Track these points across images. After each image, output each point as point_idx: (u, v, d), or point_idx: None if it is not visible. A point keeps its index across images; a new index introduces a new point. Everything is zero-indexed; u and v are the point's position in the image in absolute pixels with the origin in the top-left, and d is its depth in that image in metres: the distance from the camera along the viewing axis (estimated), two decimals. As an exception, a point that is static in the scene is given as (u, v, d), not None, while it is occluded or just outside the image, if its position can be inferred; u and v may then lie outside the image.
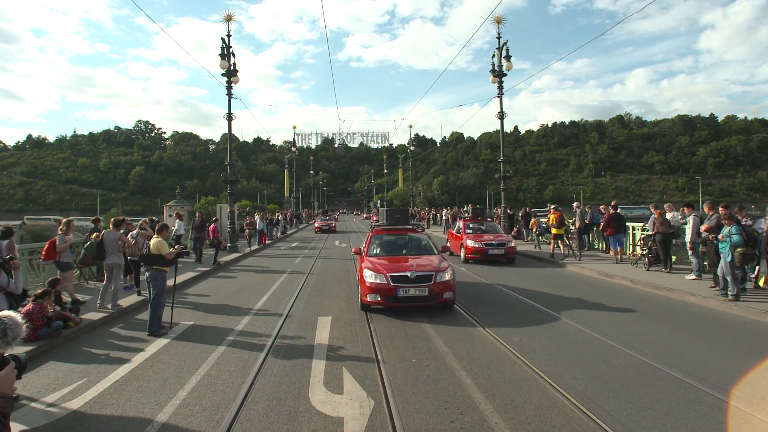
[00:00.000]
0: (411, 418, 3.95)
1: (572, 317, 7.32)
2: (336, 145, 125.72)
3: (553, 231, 14.44)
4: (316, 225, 36.23)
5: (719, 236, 8.03)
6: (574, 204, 17.45)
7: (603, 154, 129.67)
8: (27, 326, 3.56)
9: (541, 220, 18.44)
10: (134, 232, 9.50)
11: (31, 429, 3.93)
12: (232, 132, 19.27)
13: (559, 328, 6.79)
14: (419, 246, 9.49)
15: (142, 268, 8.44)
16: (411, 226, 10.44)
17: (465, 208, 26.11)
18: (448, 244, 15.83)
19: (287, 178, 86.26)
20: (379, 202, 79.37)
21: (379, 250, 9.36)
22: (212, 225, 15.93)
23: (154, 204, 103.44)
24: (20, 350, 4.27)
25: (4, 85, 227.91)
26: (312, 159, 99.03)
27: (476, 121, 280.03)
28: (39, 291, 6.63)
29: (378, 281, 7.71)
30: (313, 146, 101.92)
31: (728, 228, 7.88)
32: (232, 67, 17.75)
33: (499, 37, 19.19)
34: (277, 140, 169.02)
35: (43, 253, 8.74)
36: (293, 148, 75.71)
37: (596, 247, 16.35)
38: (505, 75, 19.27)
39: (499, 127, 20.62)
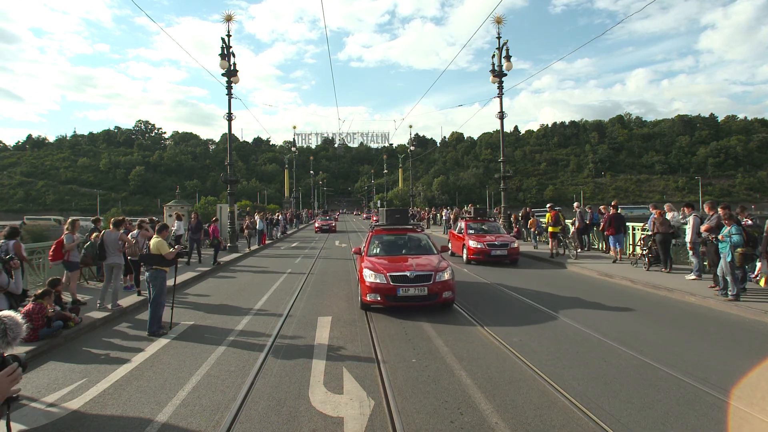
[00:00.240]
0: (411, 418, 3.95)
1: (572, 317, 7.32)
2: (336, 145, 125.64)
3: (550, 230, 15.01)
4: (317, 225, 36.41)
5: (719, 236, 8.03)
6: (575, 204, 17.50)
7: (603, 154, 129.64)
8: (27, 326, 3.57)
9: (540, 219, 18.49)
10: (134, 232, 9.50)
11: (31, 429, 3.93)
12: (232, 132, 19.28)
13: (559, 328, 6.79)
14: (419, 246, 9.50)
15: (142, 268, 8.45)
16: (411, 226, 10.46)
17: (465, 208, 26.06)
18: (450, 245, 15.80)
19: (287, 178, 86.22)
20: (379, 202, 79.38)
21: (378, 249, 9.37)
22: (212, 225, 15.93)
23: (154, 204, 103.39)
24: (20, 350, 4.26)
25: (5, 85, 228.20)
26: (312, 159, 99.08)
27: (476, 121, 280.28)
28: (39, 291, 6.63)
29: (378, 281, 7.73)
30: (313, 146, 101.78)
31: (728, 228, 7.88)
32: (232, 67, 17.75)
33: (499, 37, 19.20)
34: (277, 140, 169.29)
35: (51, 253, 8.77)
36: (293, 148, 75.71)
37: (596, 247, 16.36)
38: (505, 75, 19.30)
39: (499, 127, 20.63)
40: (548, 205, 16.11)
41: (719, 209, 8.57)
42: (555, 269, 13.02)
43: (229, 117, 18.26)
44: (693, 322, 7.15)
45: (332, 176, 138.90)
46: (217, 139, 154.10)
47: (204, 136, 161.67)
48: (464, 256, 14.44)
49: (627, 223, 14.30)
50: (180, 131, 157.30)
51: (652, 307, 8.18)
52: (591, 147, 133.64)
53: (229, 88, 17.87)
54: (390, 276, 7.71)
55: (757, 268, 9.13)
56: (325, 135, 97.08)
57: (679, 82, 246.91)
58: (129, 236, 9.24)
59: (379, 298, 7.64)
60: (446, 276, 7.87)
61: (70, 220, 8.95)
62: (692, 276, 10.07)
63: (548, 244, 15.54)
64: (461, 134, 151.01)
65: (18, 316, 3.36)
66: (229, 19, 17.70)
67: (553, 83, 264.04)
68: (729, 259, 7.80)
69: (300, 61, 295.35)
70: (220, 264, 14.53)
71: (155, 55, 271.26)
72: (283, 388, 4.67)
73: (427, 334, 6.54)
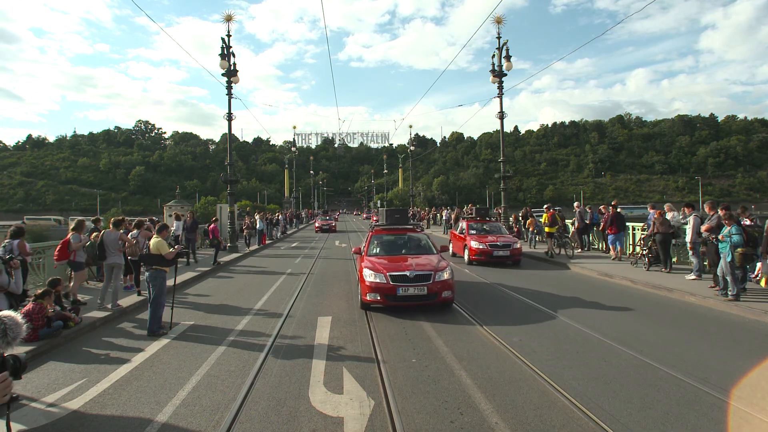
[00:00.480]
0: (411, 418, 3.95)
1: (572, 317, 7.32)
2: (336, 145, 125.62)
3: (546, 229, 15.26)
4: (317, 225, 36.61)
5: (719, 236, 8.04)
6: (575, 204, 17.52)
7: (603, 154, 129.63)
8: (27, 326, 3.57)
9: (538, 220, 18.53)
10: (134, 232, 9.50)
11: (31, 429, 3.93)
12: (232, 132, 19.28)
13: (559, 327, 6.79)
14: (418, 246, 9.51)
15: (142, 268, 8.45)
16: (410, 226, 10.47)
17: (465, 209, 26.05)
18: (450, 245, 15.77)
19: (287, 178, 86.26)
20: (379, 202, 79.40)
21: (378, 249, 9.38)
22: (212, 225, 15.93)
23: (154, 204, 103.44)
24: (20, 350, 4.26)
25: (5, 85, 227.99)
26: (312, 159, 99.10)
27: (476, 121, 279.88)
28: (39, 291, 6.64)
29: (377, 280, 7.75)
30: (313, 146, 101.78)
31: (728, 228, 7.88)
32: (232, 67, 17.75)
33: (499, 37, 19.19)
34: (277, 140, 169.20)
35: (56, 252, 8.83)
36: (293, 148, 75.72)
37: (596, 247, 16.36)
38: (505, 75, 19.29)
39: (499, 127, 20.63)
40: (545, 206, 16.32)
41: (719, 210, 8.57)
42: (555, 269, 13.02)
43: (229, 117, 18.27)
44: (693, 322, 7.15)
45: (332, 176, 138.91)
46: (217, 139, 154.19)
47: (204, 136, 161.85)
48: (466, 257, 14.25)
49: (627, 223, 14.35)
50: (180, 131, 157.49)
51: (652, 307, 8.18)
52: (591, 147, 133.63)
53: (229, 88, 17.87)
54: (390, 276, 7.73)
55: (757, 268, 9.13)
56: (325, 135, 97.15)
57: (679, 82, 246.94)
58: (129, 236, 9.24)
59: (378, 298, 7.66)
60: (446, 275, 7.88)
61: (76, 220, 9.04)
62: (692, 276, 10.07)
63: (546, 244, 15.61)
64: (461, 134, 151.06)
65: (18, 316, 3.36)
66: (229, 19, 17.70)
67: (553, 83, 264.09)
68: (729, 259, 7.80)
69: (300, 61, 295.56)
70: (220, 264, 14.52)
71: (155, 55, 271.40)
72: (283, 388, 4.67)
73: (427, 334, 6.54)
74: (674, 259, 11.94)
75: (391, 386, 4.62)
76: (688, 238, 10.34)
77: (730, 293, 7.93)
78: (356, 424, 3.89)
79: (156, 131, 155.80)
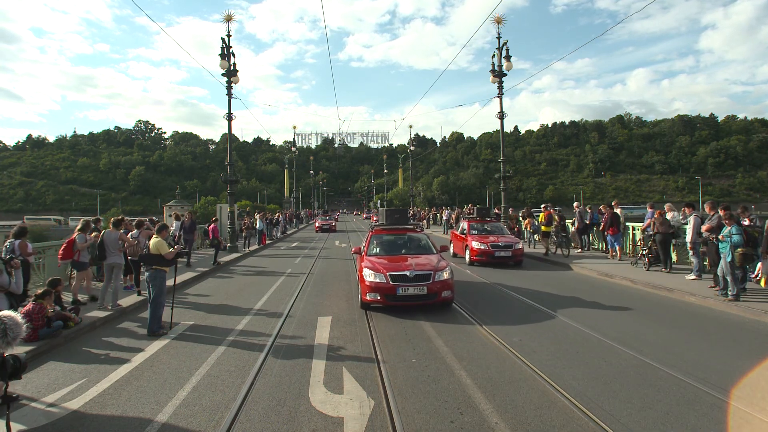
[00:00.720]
0: (411, 418, 3.96)
1: (572, 317, 7.32)
2: (336, 145, 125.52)
3: (543, 229, 15.62)
4: (317, 225, 36.83)
5: (720, 236, 8.04)
6: (575, 204, 17.53)
7: (603, 154, 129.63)
8: (27, 326, 3.58)
9: (535, 219, 18.60)
10: (134, 232, 9.50)
11: (31, 429, 3.93)
12: (232, 132, 19.27)
13: (558, 327, 6.79)
14: (418, 245, 9.52)
15: (142, 268, 8.45)
16: (410, 226, 10.48)
17: (465, 209, 26.04)
18: (451, 246, 15.74)
19: (287, 178, 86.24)
20: (379, 202, 79.41)
21: (378, 249, 9.38)
22: (212, 225, 15.93)
23: (154, 204, 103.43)
24: (20, 350, 4.27)
25: (5, 85, 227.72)
26: (312, 159, 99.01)
27: (476, 121, 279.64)
28: (39, 291, 6.64)
29: (377, 280, 7.75)
30: (313, 146, 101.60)
31: (729, 228, 7.88)
32: (232, 67, 17.75)
33: (499, 37, 19.18)
34: (277, 140, 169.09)
35: (61, 251, 8.88)
36: (293, 148, 75.65)
37: (596, 247, 16.36)
38: (505, 75, 19.26)
39: (499, 127, 20.62)
40: (542, 206, 16.57)
41: (720, 210, 8.58)
42: (555, 270, 13.02)
43: (229, 117, 18.27)
44: (693, 322, 7.15)
45: (332, 176, 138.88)
46: (217, 139, 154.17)
47: (204, 136, 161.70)
48: (467, 258, 14.11)
49: (627, 223, 14.38)
50: (180, 131, 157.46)
51: (652, 307, 8.18)
52: (591, 147, 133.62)
53: (229, 88, 17.87)
54: (390, 275, 7.74)
55: (758, 268, 9.13)
56: (325, 135, 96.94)
57: (679, 82, 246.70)
58: (129, 236, 9.24)
59: (378, 298, 7.66)
60: (445, 275, 7.89)
61: (82, 220, 9.11)
62: (692, 276, 10.07)
63: (546, 243, 15.72)
64: (461, 134, 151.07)
65: (18, 316, 3.37)
66: (229, 19, 17.70)
67: (554, 83, 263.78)
68: (729, 259, 7.80)
69: (300, 61, 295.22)
70: (220, 264, 14.53)
71: (155, 55, 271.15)
72: (283, 388, 4.67)
73: (427, 334, 6.54)
74: (674, 259, 11.94)
75: (391, 386, 4.62)
76: (688, 238, 10.34)
77: (730, 293, 7.93)
78: (356, 424, 3.89)
79: (156, 131, 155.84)
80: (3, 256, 6.61)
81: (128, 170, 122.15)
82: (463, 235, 15.08)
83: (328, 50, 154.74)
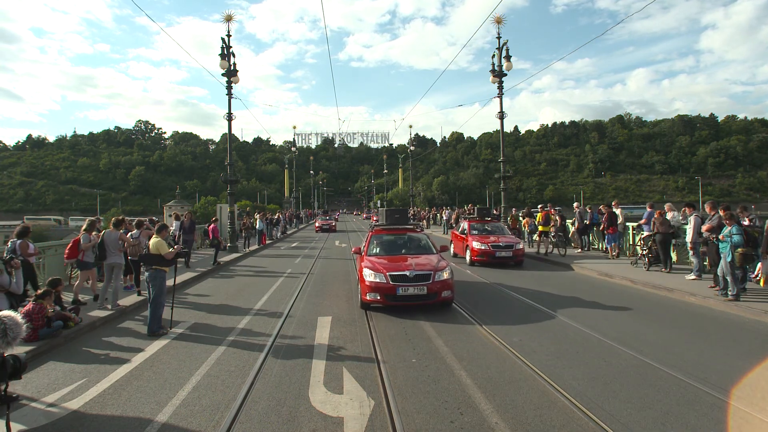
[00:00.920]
0: (411, 418, 3.96)
1: (572, 317, 7.32)
2: (336, 145, 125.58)
3: (540, 228, 15.82)
4: (317, 225, 36.91)
5: (720, 236, 8.04)
6: (575, 204, 17.55)
7: (603, 154, 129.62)
8: (27, 326, 3.57)
9: (533, 219, 18.69)
10: (135, 232, 9.50)
11: (31, 429, 3.93)
12: (232, 132, 19.28)
13: (558, 327, 6.79)
14: (418, 245, 9.51)
15: (142, 268, 8.46)
16: (410, 226, 10.47)
17: (465, 209, 26.02)
18: (451, 246, 15.74)
19: (287, 178, 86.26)
20: (379, 202, 79.40)
21: (378, 249, 9.38)
22: (212, 225, 15.93)
23: (154, 204, 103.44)
24: (20, 350, 4.27)
25: (5, 85, 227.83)
26: (312, 159, 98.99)
27: (476, 121, 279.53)
28: (39, 291, 6.64)
29: (377, 280, 7.75)
30: (313, 146, 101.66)
31: (729, 228, 7.88)
32: (232, 67, 17.75)
33: (499, 37, 19.18)
34: (277, 140, 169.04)
35: (67, 251, 9.09)
36: (293, 148, 75.65)
37: (596, 247, 16.36)
38: (505, 75, 19.27)
39: (499, 127, 20.62)
40: (539, 206, 16.85)
41: (720, 210, 8.58)
42: (555, 270, 13.02)
43: (229, 117, 18.27)
44: (693, 322, 7.15)
45: (332, 176, 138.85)
46: (217, 139, 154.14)
47: (204, 136, 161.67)
48: (467, 258, 14.05)
49: (627, 223, 14.39)
50: (180, 131, 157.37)
51: (652, 307, 8.18)
52: (591, 147, 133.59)
53: (229, 88, 17.87)
54: (390, 275, 7.74)
55: (758, 268, 9.13)
56: (325, 135, 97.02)
57: (679, 82, 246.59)
58: (129, 236, 9.24)
59: (378, 298, 7.66)
60: (445, 275, 7.89)
61: (88, 220, 9.16)
62: (692, 276, 10.07)
63: (542, 243, 15.84)
64: (461, 134, 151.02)
65: (18, 316, 3.37)
66: (229, 19, 17.70)
67: (554, 83, 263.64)
68: (729, 259, 7.80)
69: (300, 61, 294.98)
70: (220, 264, 14.53)
71: (156, 55, 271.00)
72: (283, 388, 4.67)
73: (427, 334, 6.54)
74: (674, 259, 11.94)
75: (391, 386, 4.62)
76: (688, 238, 10.34)
77: (730, 293, 7.93)
78: (356, 424, 3.89)
79: (156, 131, 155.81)
80: (4, 256, 6.62)
81: (128, 170, 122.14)
82: (463, 235, 15.03)
83: (328, 50, 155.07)
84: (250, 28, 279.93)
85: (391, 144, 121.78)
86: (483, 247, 13.57)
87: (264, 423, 3.94)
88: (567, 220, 16.76)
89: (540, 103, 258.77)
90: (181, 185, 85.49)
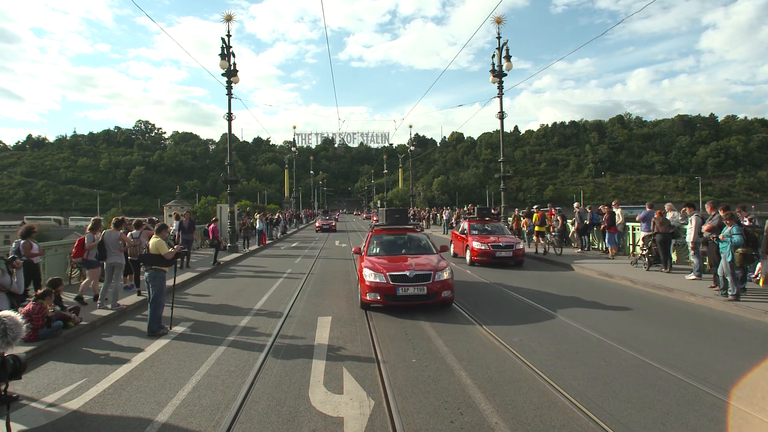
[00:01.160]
0: (411, 418, 3.96)
1: (572, 317, 7.32)
2: (336, 145, 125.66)
3: (536, 229, 16.05)
4: (317, 224, 36.97)
5: (720, 236, 8.04)
6: (575, 204, 17.56)
7: (603, 154, 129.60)
8: (27, 326, 3.58)
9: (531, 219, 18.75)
10: (135, 232, 9.50)
11: (31, 429, 3.93)
12: (232, 132, 19.28)
13: (558, 327, 6.79)
14: (418, 245, 9.51)
15: (142, 268, 8.46)
16: (410, 226, 10.48)
17: (465, 209, 26.01)
18: (452, 246, 15.73)
19: (287, 178, 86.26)
20: (379, 202, 79.42)
21: (378, 249, 9.38)
22: (212, 225, 15.93)
23: (154, 204, 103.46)
24: (20, 350, 4.27)
25: (5, 85, 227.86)
26: (312, 159, 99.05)
27: (476, 121, 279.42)
28: (39, 291, 6.64)
29: (377, 280, 7.75)
30: (313, 146, 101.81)
31: (729, 228, 7.88)
32: (232, 67, 17.75)
33: (499, 37, 19.18)
34: (277, 140, 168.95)
35: (74, 249, 9.29)
36: (293, 148, 75.68)
37: (596, 247, 16.36)
38: (505, 75, 19.27)
39: (499, 127, 20.63)
40: (535, 206, 17.17)
41: (720, 210, 8.58)
42: (555, 270, 13.02)
43: (229, 117, 18.27)
44: (693, 322, 7.15)
45: (332, 176, 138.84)
46: (217, 139, 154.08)
47: (204, 136, 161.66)
48: (467, 258, 14.03)
49: (627, 223, 14.40)
50: (180, 131, 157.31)
51: (652, 307, 8.18)
52: (591, 147, 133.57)
53: (229, 88, 17.87)
54: (390, 275, 7.74)
55: (758, 268, 9.13)
56: (325, 135, 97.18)
57: (679, 82, 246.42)
58: (129, 236, 9.24)
59: (378, 298, 7.66)
60: (445, 275, 7.89)
61: (92, 220, 9.21)
62: (692, 276, 10.07)
63: (543, 243, 15.84)
64: (461, 134, 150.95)
65: (18, 316, 3.37)
66: (229, 19, 17.70)
67: (554, 83, 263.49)
68: (729, 259, 7.80)
69: (301, 61, 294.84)
70: (220, 264, 14.53)
71: (156, 55, 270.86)
72: (283, 388, 4.67)
73: (427, 334, 6.54)
74: (674, 259, 11.94)
75: (391, 386, 4.62)
76: (689, 238, 10.34)
77: (730, 293, 7.93)
78: (356, 424, 3.89)
79: (156, 131, 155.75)
80: (8, 256, 6.65)
81: (128, 170, 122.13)
82: (463, 235, 15.01)
83: (328, 50, 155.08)
84: (250, 28, 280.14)
85: (391, 144, 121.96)
86: (483, 247, 13.56)
87: (264, 423, 3.94)
88: (567, 220, 16.76)
89: (540, 103, 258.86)
90: (181, 185, 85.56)
